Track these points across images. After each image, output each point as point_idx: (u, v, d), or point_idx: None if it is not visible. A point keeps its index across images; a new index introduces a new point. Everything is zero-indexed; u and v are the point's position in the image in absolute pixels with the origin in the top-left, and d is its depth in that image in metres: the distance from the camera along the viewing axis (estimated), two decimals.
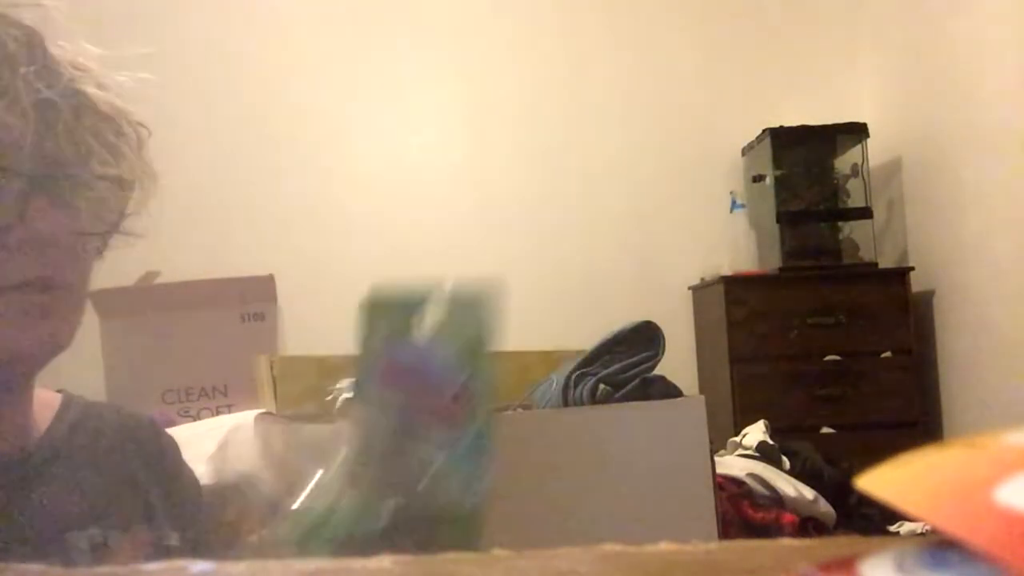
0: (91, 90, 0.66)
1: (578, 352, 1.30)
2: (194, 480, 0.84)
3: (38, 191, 0.63)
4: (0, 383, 0.67)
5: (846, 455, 2.35)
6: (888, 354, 2.80)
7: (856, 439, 2.70)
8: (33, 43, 0.65)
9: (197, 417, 2.63)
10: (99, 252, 0.73)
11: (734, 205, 3.15)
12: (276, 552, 0.54)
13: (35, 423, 0.73)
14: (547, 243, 3.23)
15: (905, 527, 1.93)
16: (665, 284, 3.21)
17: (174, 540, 0.74)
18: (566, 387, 1.22)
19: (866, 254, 2.99)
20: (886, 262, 3.04)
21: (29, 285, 0.64)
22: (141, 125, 0.71)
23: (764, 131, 3.02)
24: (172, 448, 0.83)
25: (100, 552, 0.68)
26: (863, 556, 0.23)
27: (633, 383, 1.20)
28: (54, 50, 0.66)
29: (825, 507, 1.97)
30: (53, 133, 0.63)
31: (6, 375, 0.67)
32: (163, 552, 0.72)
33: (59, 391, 0.79)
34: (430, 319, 0.38)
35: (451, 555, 0.29)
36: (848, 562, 0.22)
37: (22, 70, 0.62)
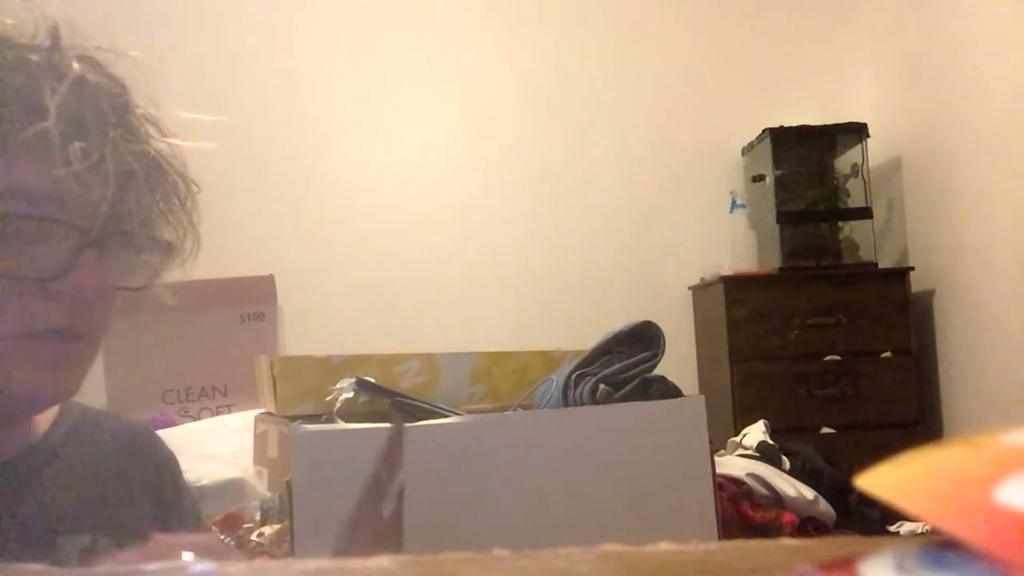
0: (163, 152, 0.68)
1: (578, 352, 1.30)
2: (190, 495, 0.84)
3: (91, 247, 0.64)
4: (4, 413, 0.68)
5: (846, 455, 2.35)
6: (888, 354, 2.80)
7: (856, 439, 2.70)
8: (119, 103, 0.66)
9: (197, 417, 2.63)
10: None
11: (734, 205, 3.15)
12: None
13: (33, 427, 0.73)
14: (547, 243, 3.23)
15: (905, 527, 1.93)
16: (665, 284, 3.21)
17: None
18: (566, 387, 1.22)
19: (866, 254, 3.00)
20: (886, 262, 3.04)
21: (57, 333, 0.65)
22: (195, 184, 0.73)
23: (764, 131, 3.02)
24: (170, 462, 0.83)
25: (88, 558, 0.68)
26: (863, 556, 0.23)
27: (633, 383, 1.20)
28: (138, 109, 0.68)
29: (825, 507, 1.97)
30: (126, 199, 0.65)
31: (13, 410, 0.68)
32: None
33: None
34: None
35: (451, 555, 0.29)
36: (848, 562, 0.22)
37: (111, 133, 0.63)
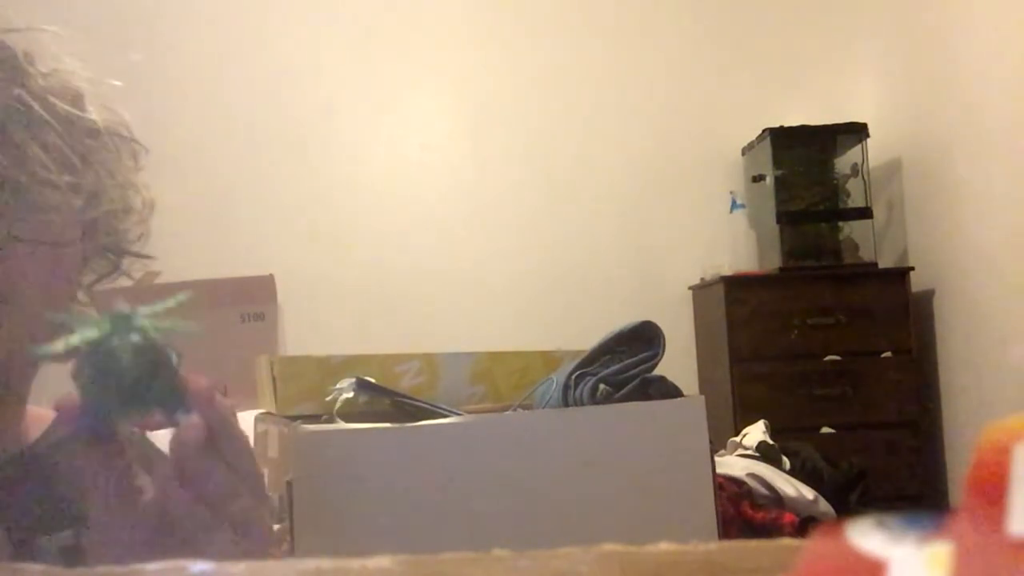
0: (57, 103, 0.66)
1: (578, 352, 1.30)
2: None
3: None
4: None
5: (846, 455, 2.35)
6: (888, 354, 2.80)
7: (856, 439, 2.70)
8: None
9: None
10: (98, 277, 0.73)
11: (734, 205, 3.15)
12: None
13: (21, 436, 0.73)
14: (547, 243, 3.23)
15: None
16: (665, 284, 3.21)
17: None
18: (566, 387, 1.22)
19: (866, 254, 3.00)
20: (886, 262, 3.04)
21: None
22: (134, 142, 0.71)
23: (764, 131, 3.02)
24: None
25: (71, 554, 0.69)
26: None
27: (633, 383, 1.20)
28: (31, 68, 0.66)
29: (825, 507, 1.97)
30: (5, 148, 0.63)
31: None
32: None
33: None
34: None
35: (451, 555, 0.29)
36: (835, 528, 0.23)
37: None
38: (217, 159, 3.19)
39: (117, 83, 0.72)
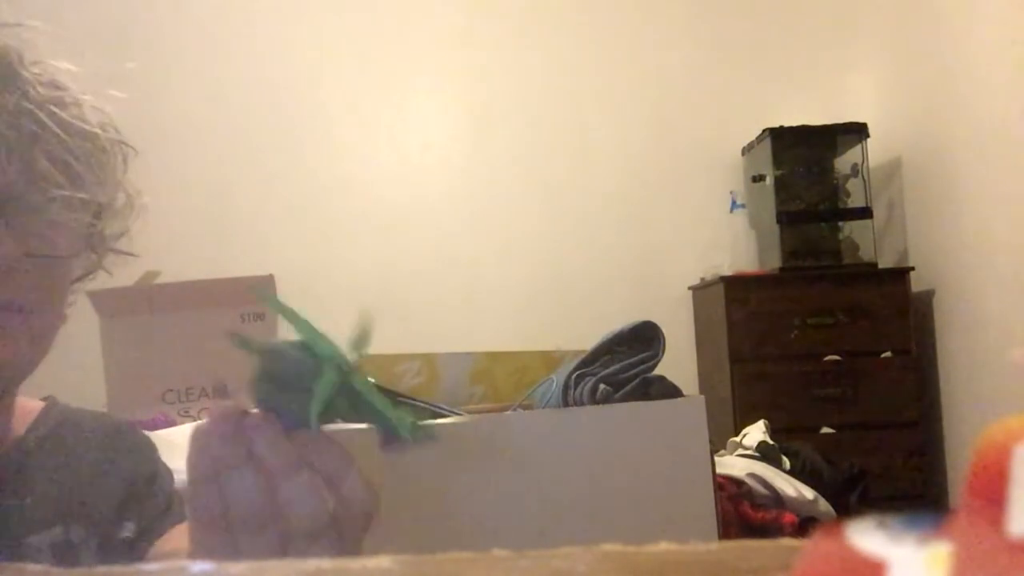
0: (57, 111, 0.66)
1: (578, 352, 1.30)
2: (167, 478, 0.83)
3: None
4: None
5: (846, 455, 2.35)
6: (888, 354, 2.80)
7: (856, 439, 2.70)
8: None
9: (197, 417, 2.62)
10: (82, 275, 0.73)
11: (734, 205, 3.15)
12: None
13: (9, 431, 0.73)
14: (547, 243, 3.23)
15: None
16: (665, 284, 3.21)
17: (128, 531, 0.74)
18: (566, 387, 1.22)
19: (866, 254, 3.00)
20: (886, 262, 3.04)
21: None
22: (124, 144, 0.71)
23: (764, 131, 3.02)
24: (146, 446, 0.83)
25: (62, 551, 0.68)
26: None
27: (633, 383, 1.20)
28: (25, 72, 0.66)
29: (825, 507, 1.97)
30: (27, 163, 0.63)
31: None
32: (118, 543, 0.73)
33: (45, 399, 0.79)
34: None
35: (451, 555, 0.29)
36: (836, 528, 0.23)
37: None
38: (217, 159, 3.19)
39: (119, 94, 0.72)
